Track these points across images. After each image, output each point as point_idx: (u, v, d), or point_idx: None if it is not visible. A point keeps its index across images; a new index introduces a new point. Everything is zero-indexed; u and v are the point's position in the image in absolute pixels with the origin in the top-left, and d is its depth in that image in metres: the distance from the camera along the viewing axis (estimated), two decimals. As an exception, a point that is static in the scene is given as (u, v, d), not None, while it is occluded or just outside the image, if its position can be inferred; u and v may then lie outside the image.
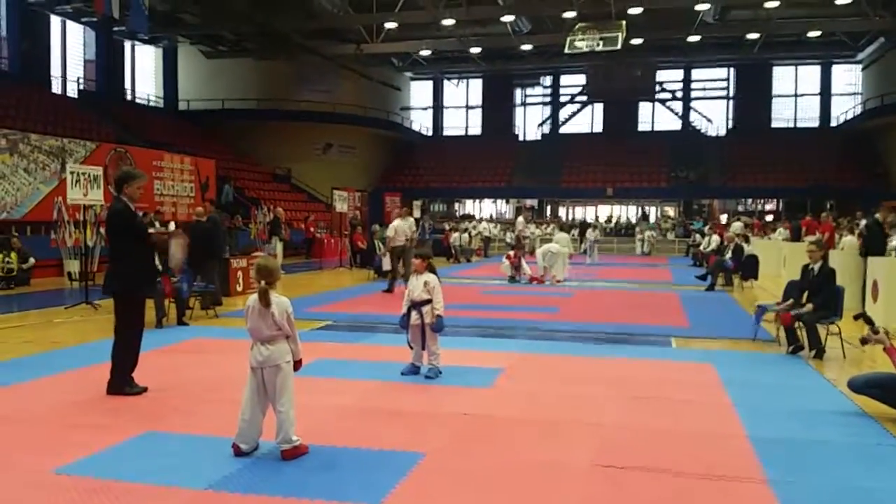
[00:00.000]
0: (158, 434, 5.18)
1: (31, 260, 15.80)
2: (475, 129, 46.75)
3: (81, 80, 31.41)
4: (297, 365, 4.87)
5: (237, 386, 6.62)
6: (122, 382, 6.22)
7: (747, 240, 17.53)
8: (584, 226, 31.28)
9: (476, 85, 46.61)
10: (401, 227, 15.55)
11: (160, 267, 10.21)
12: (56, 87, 29.86)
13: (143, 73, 36.35)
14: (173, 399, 6.18)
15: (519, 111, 46.82)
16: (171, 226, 18.73)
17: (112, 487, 4.16)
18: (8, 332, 9.73)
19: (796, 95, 42.62)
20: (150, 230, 10.18)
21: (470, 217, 38.64)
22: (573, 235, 31.96)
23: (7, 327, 10.16)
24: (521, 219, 24.69)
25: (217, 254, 12.47)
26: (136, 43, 34.86)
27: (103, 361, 6.60)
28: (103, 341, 8.60)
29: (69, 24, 30.65)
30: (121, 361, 6.26)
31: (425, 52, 36.35)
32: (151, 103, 36.12)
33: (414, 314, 6.88)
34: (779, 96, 42.85)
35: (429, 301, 6.86)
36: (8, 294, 14.36)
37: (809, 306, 8.19)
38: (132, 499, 4.05)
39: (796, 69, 42.32)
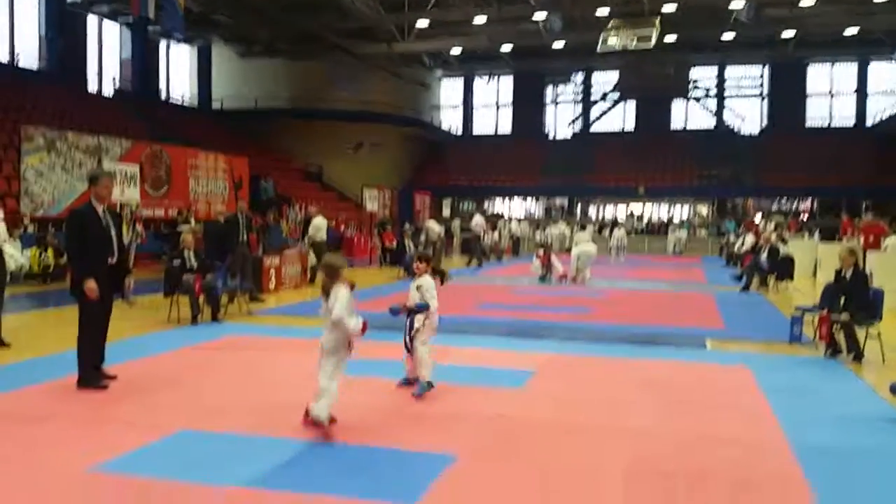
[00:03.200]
0: (192, 433, 5.20)
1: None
2: (505, 127, 46.49)
3: (117, 79, 31.79)
4: (361, 333, 5.19)
5: (269, 384, 6.67)
6: (86, 376, 6.32)
7: (784, 241, 17.22)
8: (614, 225, 31.05)
9: (507, 82, 46.26)
10: (322, 224, 16.72)
11: (193, 264, 10.32)
12: (92, 86, 30.26)
13: (178, 72, 36.65)
14: (206, 397, 6.21)
15: (550, 109, 46.49)
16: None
17: (147, 486, 4.19)
18: (44, 327, 9.87)
19: (832, 94, 41.86)
20: (184, 226, 10.31)
21: (499, 216, 38.50)
22: (603, 234, 31.84)
23: (44, 323, 10.32)
24: (518, 223, 24.38)
25: (228, 251, 12.60)
26: (172, 42, 35.24)
27: (137, 358, 6.66)
28: (138, 337, 8.72)
29: (106, 23, 31.03)
30: (81, 354, 6.36)
31: (456, 51, 36.29)
32: (186, 102, 36.50)
33: (414, 322, 6.33)
34: (814, 95, 42.12)
35: (424, 308, 6.33)
36: (44, 290, 14.57)
37: (846, 315, 8.03)
38: (169, 497, 4.08)
39: (832, 67, 41.56)
